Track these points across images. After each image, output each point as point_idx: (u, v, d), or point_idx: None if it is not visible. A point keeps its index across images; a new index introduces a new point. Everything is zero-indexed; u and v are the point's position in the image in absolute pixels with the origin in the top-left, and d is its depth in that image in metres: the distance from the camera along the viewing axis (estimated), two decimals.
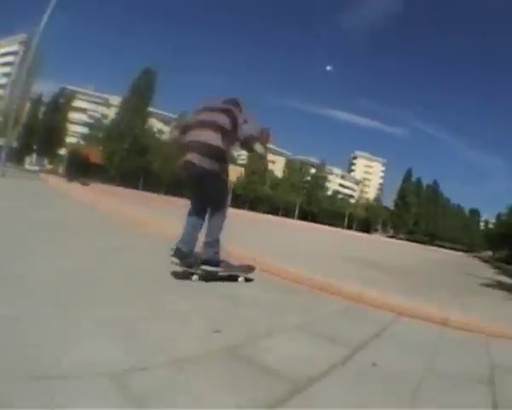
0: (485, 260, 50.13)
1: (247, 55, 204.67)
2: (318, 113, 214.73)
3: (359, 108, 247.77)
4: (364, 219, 77.36)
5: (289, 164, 70.37)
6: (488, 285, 12.03)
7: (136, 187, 42.72)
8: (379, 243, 37.46)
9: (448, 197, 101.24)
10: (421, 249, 45.19)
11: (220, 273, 3.86)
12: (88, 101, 78.61)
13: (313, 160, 75.78)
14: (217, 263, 3.85)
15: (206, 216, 3.94)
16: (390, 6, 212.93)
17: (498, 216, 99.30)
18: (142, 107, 48.20)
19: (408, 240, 75.02)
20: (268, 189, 61.39)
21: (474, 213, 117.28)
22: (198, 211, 3.94)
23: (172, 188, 47.33)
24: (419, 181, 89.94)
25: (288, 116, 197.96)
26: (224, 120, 3.57)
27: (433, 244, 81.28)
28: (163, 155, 48.58)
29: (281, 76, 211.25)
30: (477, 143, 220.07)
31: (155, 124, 56.70)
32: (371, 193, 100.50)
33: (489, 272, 21.12)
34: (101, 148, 48.47)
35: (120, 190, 33.30)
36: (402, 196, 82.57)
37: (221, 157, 3.66)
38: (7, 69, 79.04)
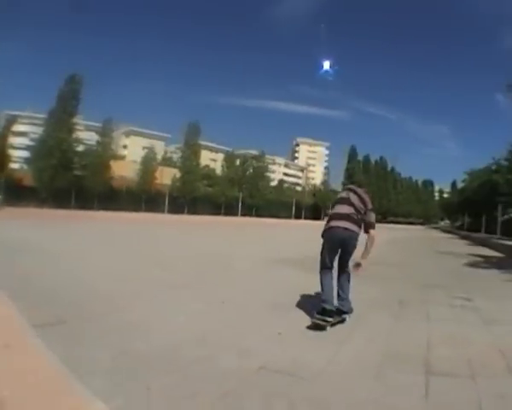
0: (447, 231, 57.21)
1: (176, 56, 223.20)
2: (257, 106, 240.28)
3: (297, 96, 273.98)
4: (313, 206, 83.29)
5: (228, 159, 75.77)
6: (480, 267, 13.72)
7: (68, 206, 45.36)
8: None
9: (399, 171, 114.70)
10: (379, 230, 55.03)
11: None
12: (28, 123, 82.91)
13: (254, 152, 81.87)
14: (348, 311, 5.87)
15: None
16: None
17: (453, 184, 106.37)
18: (67, 118, 50.21)
19: None
20: (205, 187, 66.80)
21: (427, 183, 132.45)
22: (331, 270, 5.91)
23: (105, 202, 51.40)
24: (367, 158, 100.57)
25: (227, 112, 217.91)
26: (360, 205, 5.95)
27: (387, 221, 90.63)
28: (93, 167, 51.98)
29: (214, 73, 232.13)
30: (421, 115, 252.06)
31: (85, 135, 58.82)
32: (317, 178, 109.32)
33: (464, 247, 24.21)
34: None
35: (33, 211, 36.28)
36: (349, 176, 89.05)
37: (359, 225, 5.86)
38: None
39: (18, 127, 70.31)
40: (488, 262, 15.85)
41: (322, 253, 6.04)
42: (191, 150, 65.54)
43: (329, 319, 5.54)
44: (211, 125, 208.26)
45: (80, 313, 5.44)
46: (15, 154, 62.18)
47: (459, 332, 5.47)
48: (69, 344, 4.20)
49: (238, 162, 76.50)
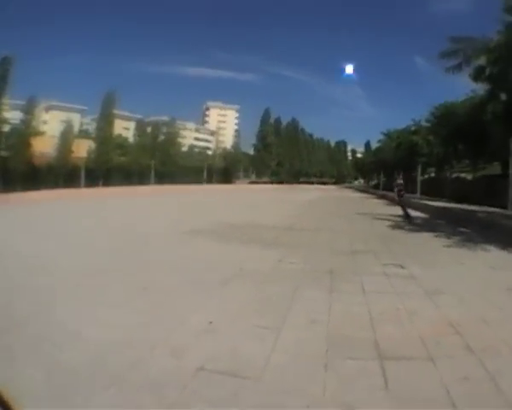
0: (363, 191, 57.87)
1: (93, 27, 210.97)
2: (170, 72, 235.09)
3: (209, 60, 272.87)
4: (223, 170, 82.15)
5: (139, 126, 75.44)
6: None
7: None
8: (240, 194, 41.32)
9: (311, 133, 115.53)
10: (291, 191, 51.18)
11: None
12: None
13: (165, 118, 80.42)
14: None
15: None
16: None
17: (367, 144, 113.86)
18: None
19: (273, 182, 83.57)
20: (118, 157, 65.58)
21: (341, 144, 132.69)
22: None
23: (28, 181, 46.71)
24: (278, 121, 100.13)
25: (140, 79, 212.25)
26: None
27: (299, 182, 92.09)
28: (16, 146, 51.02)
29: (126, 41, 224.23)
30: (333, 76, 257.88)
31: (10, 114, 54.57)
32: (228, 142, 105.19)
33: (383, 207, 25.63)
34: None
35: None
36: (262, 138, 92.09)
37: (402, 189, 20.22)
38: None
39: None
40: (413, 224, 16.21)
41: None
42: (106, 121, 64.00)
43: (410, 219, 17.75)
44: (126, 94, 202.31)
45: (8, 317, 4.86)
46: None
47: (402, 306, 5.22)
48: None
49: (149, 129, 75.27)
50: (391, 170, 45.17)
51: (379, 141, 63.24)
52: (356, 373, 3.48)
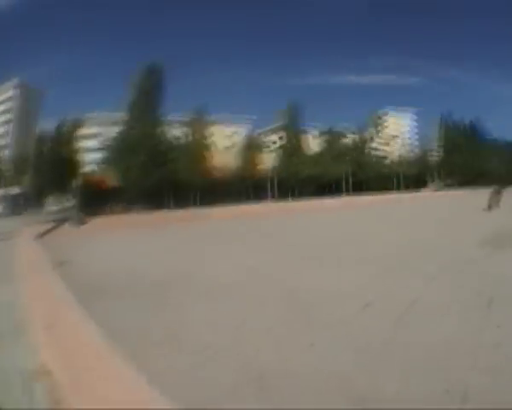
0: None
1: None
2: (330, 82, 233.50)
3: (370, 67, 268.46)
4: (415, 176, 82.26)
5: (325, 136, 75.19)
6: None
7: (159, 206, 43.80)
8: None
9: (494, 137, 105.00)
10: None
11: None
12: (98, 125, 74.23)
13: (341, 129, 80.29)
14: None
15: None
16: None
17: None
18: (151, 111, 49.55)
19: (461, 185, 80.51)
20: (310, 168, 64.63)
21: None
22: None
23: (205, 195, 50.27)
24: (456, 124, 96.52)
25: (303, 92, 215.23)
26: None
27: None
28: (188, 160, 51.46)
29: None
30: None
31: (170, 129, 56.61)
32: (404, 148, 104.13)
33: None
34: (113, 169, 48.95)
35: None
36: (445, 143, 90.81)
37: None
38: (5, 117, 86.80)
39: (86, 130, 68.70)
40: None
41: None
42: (291, 133, 67.39)
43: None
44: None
45: None
46: (87, 157, 61.94)
47: None
48: None
49: (330, 140, 76.91)
50: None
51: None
52: None
